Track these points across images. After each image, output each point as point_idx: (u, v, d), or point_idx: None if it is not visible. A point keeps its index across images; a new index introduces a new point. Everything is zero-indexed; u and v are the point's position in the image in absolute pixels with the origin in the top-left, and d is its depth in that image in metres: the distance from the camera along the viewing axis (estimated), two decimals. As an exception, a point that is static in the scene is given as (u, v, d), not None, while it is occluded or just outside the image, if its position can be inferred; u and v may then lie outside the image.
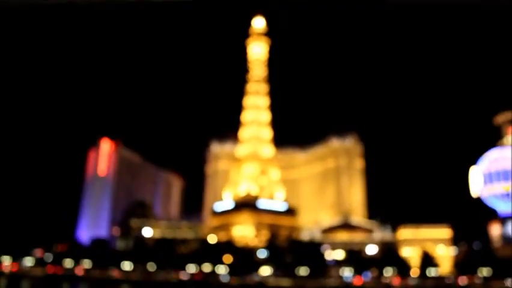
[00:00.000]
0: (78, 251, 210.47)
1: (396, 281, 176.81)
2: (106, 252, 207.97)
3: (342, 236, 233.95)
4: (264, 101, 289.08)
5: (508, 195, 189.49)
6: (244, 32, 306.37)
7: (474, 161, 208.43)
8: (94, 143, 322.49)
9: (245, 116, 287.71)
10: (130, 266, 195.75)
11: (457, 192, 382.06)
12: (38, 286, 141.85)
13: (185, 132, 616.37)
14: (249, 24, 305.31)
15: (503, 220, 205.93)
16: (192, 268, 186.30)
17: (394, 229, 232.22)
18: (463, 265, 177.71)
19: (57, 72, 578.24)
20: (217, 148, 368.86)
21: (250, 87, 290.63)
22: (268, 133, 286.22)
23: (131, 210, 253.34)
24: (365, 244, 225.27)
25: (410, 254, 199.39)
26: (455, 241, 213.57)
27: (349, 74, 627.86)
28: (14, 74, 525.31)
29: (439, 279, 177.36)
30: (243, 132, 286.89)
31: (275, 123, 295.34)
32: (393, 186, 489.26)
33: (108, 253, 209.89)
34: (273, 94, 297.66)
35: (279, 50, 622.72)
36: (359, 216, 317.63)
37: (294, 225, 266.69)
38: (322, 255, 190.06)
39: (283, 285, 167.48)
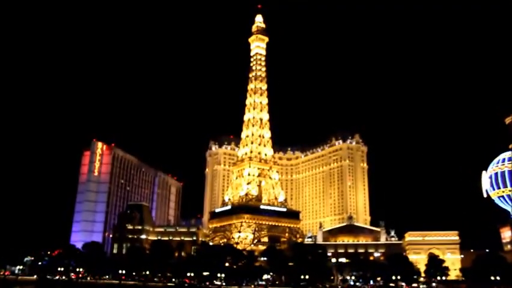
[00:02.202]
0: (72, 256, 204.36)
1: (403, 286, 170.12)
2: (100, 257, 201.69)
3: (346, 239, 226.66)
4: (265, 101, 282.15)
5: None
6: (245, 31, 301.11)
7: (484, 163, 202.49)
8: (88, 145, 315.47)
9: (245, 116, 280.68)
10: (125, 271, 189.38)
11: (466, 196, 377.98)
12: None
13: (183, 134, 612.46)
14: (249, 23, 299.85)
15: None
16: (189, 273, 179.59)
17: (399, 233, 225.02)
18: (471, 271, 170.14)
19: (52, 73, 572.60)
20: (216, 150, 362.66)
21: (251, 87, 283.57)
22: (269, 134, 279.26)
23: (127, 213, 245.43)
24: (370, 248, 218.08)
25: (417, 259, 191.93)
26: (464, 246, 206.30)
27: (353, 74, 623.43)
28: (8, 76, 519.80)
29: (447, 285, 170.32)
30: (243, 133, 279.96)
31: (277, 124, 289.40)
32: (397, 189, 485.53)
33: (103, 258, 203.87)
34: (275, 94, 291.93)
35: (282, 50, 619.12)
36: (362, 219, 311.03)
37: (296, 227, 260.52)
38: (325, 259, 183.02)
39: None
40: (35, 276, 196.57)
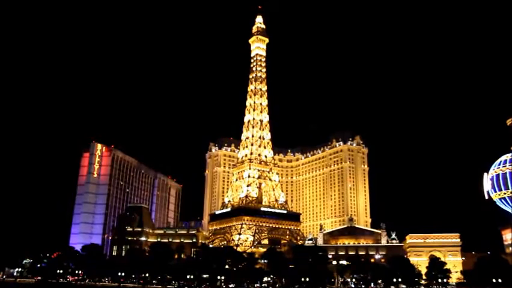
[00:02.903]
0: (71, 259, 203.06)
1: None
2: (99, 259, 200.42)
3: (347, 241, 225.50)
4: (265, 103, 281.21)
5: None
6: (246, 32, 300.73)
7: (485, 165, 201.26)
8: (88, 146, 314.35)
9: (245, 118, 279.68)
10: (125, 274, 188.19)
11: (468, 198, 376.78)
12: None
13: (183, 136, 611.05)
14: (250, 24, 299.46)
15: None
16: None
17: (400, 235, 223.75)
18: (473, 274, 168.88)
19: (52, 74, 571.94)
20: (216, 151, 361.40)
21: (251, 88, 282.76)
22: (269, 135, 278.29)
23: (126, 215, 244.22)
24: (371, 250, 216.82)
25: (418, 261, 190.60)
26: (465, 249, 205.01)
27: (353, 75, 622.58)
28: (9, 77, 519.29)
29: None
30: (243, 135, 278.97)
31: (277, 125, 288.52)
32: (398, 191, 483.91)
33: (102, 260, 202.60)
34: (275, 95, 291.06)
35: (282, 50, 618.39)
36: (363, 221, 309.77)
37: (296, 229, 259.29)
38: (326, 261, 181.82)
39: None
40: (35, 279, 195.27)
